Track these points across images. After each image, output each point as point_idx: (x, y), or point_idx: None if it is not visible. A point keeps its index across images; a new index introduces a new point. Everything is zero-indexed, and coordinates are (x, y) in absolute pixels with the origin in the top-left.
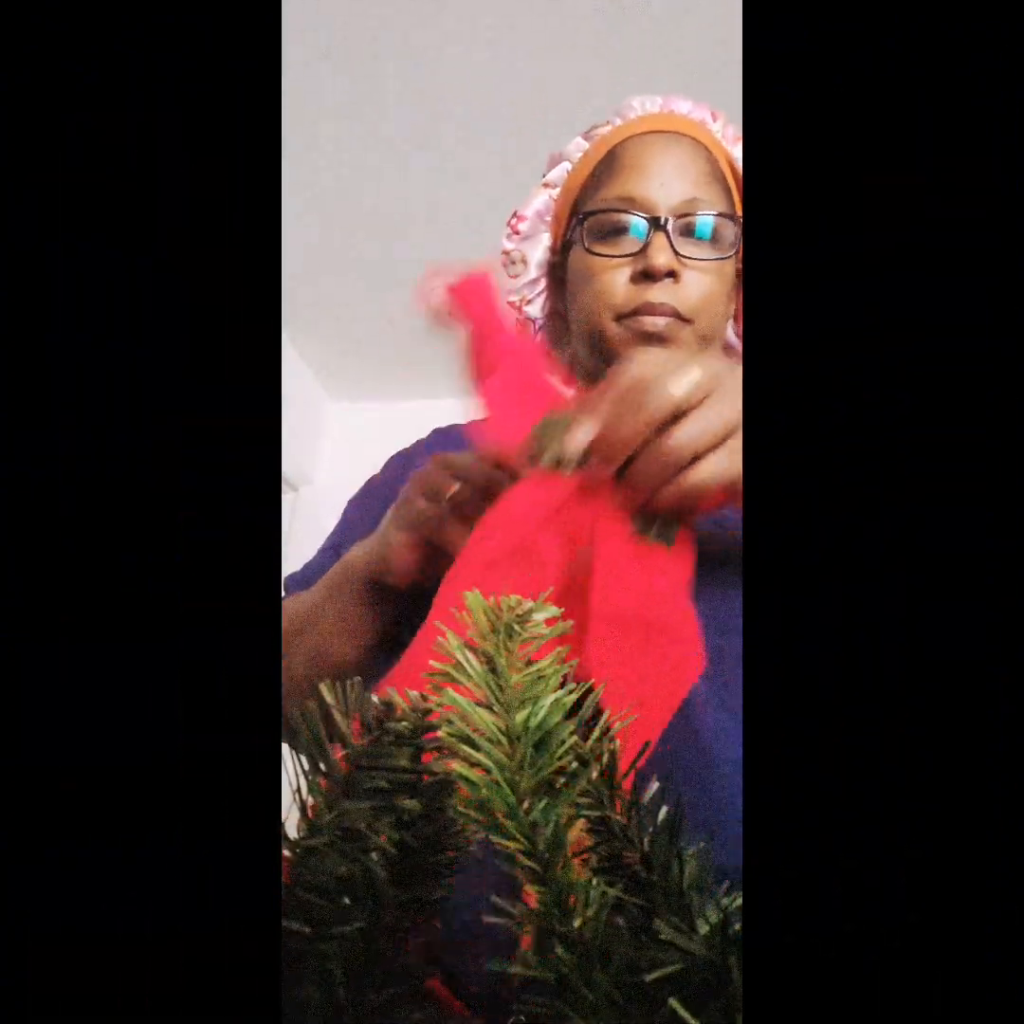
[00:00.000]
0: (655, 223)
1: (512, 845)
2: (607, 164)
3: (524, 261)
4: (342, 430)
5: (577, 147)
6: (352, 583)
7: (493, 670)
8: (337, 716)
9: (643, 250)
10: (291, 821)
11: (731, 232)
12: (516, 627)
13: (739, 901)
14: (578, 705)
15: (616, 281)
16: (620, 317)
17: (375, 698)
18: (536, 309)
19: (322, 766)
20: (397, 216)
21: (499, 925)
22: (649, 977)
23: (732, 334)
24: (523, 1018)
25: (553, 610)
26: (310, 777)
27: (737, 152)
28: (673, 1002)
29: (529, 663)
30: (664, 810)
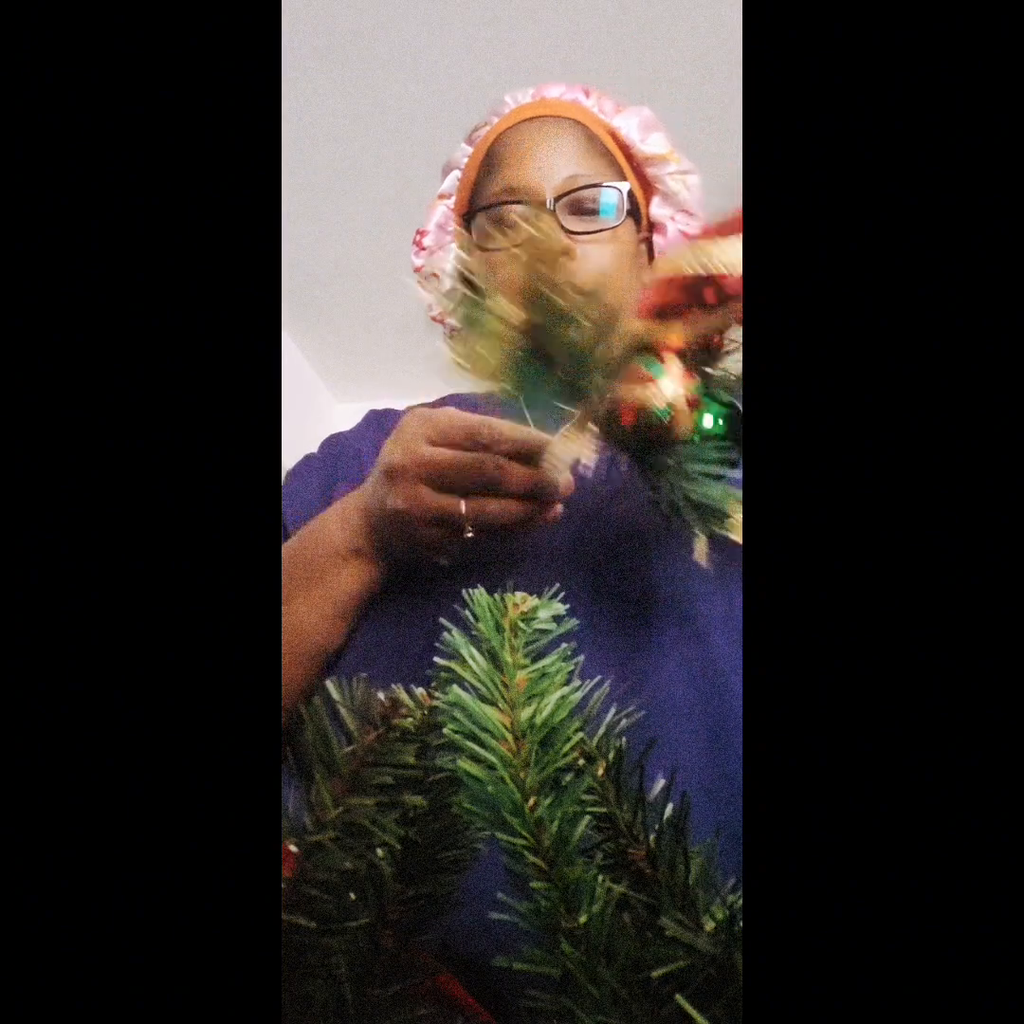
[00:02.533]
0: (541, 207)
1: (517, 842)
2: (488, 163)
3: (437, 275)
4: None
5: (463, 153)
6: (334, 557)
7: (498, 667)
8: (343, 712)
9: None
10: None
11: (614, 198)
12: (521, 624)
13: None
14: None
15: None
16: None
17: (381, 695)
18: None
19: (328, 762)
20: (401, 216)
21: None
22: (655, 973)
23: None
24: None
25: (558, 607)
26: (315, 773)
27: (619, 122)
28: (680, 998)
29: (534, 660)
30: (670, 807)
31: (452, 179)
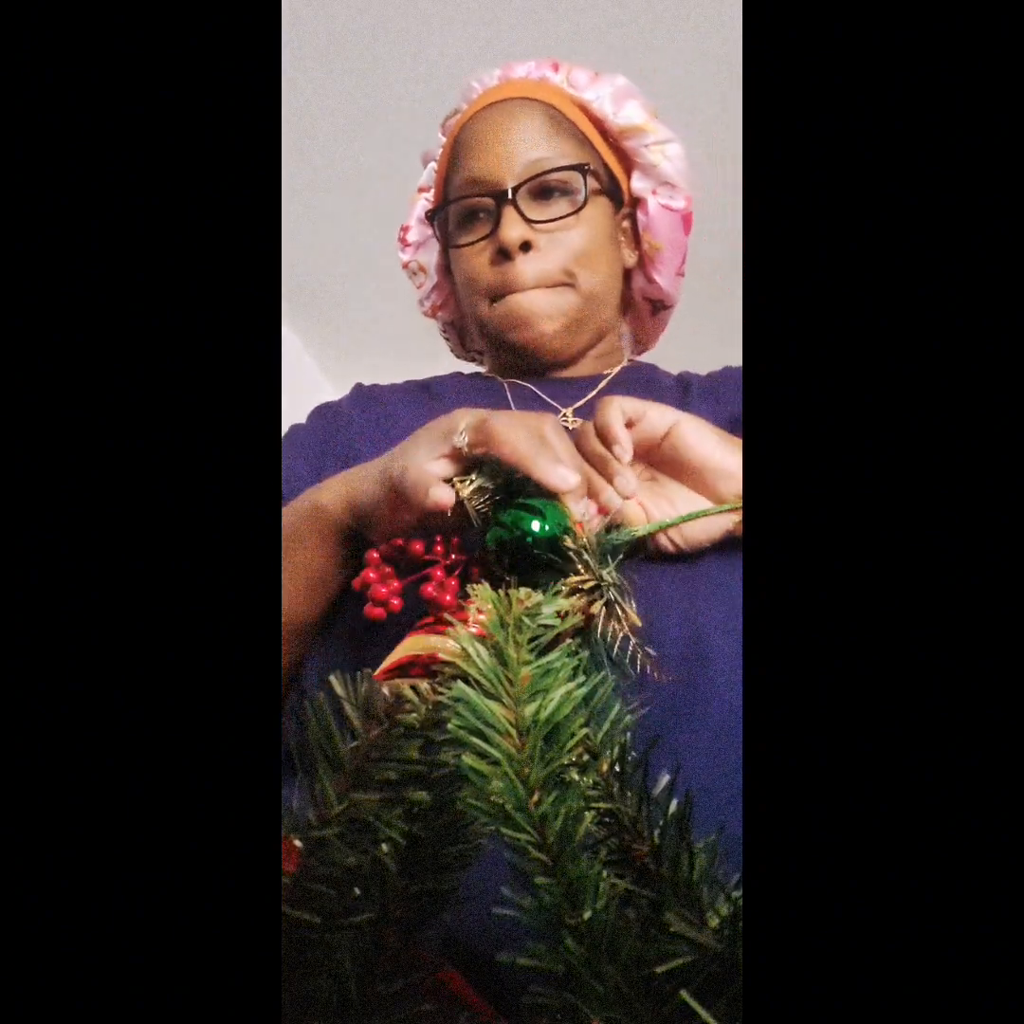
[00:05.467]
0: (502, 197)
1: (522, 838)
2: (455, 152)
3: (423, 269)
4: None
5: (438, 144)
6: (321, 531)
7: (502, 662)
8: (347, 708)
9: (495, 228)
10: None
11: (577, 181)
12: (526, 620)
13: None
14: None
15: (479, 266)
16: (493, 300)
17: (385, 690)
18: (448, 313)
19: (331, 758)
20: (400, 214)
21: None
22: (658, 970)
23: (645, 282)
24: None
25: (563, 603)
26: (319, 769)
27: (590, 95)
28: (684, 994)
29: (539, 655)
30: (674, 803)
31: (429, 172)
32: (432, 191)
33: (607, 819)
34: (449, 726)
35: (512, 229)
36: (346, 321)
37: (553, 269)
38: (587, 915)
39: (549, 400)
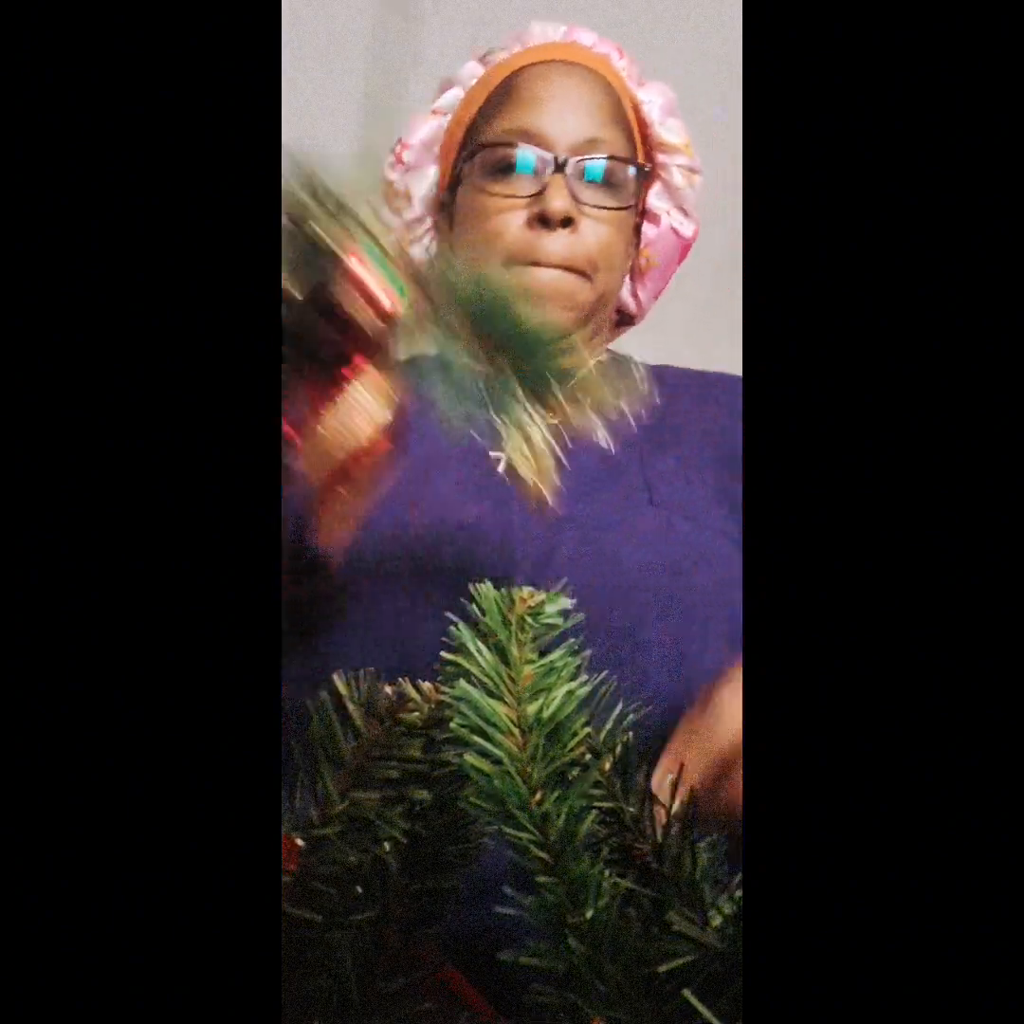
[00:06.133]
0: (553, 162)
1: (524, 836)
2: (503, 93)
3: (407, 196)
4: None
5: (470, 72)
6: None
7: (505, 661)
8: (350, 707)
9: (540, 192)
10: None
11: (631, 179)
12: (528, 618)
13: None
14: (591, 696)
15: (509, 224)
16: (510, 264)
17: (387, 689)
18: (420, 250)
19: (333, 756)
20: None
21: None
22: (660, 969)
23: (628, 294)
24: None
25: (566, 602)
26: (321, 767)
27: (643, 95)
28: (686, 993)
29: (541, 654)
30: (677, 802)
31: (452, 96)
32: (448, 116)
33: (609, 818)
34: (451, 725)
35: (559, 198)
36: None
37: (581, 256)
38: (589, 914)
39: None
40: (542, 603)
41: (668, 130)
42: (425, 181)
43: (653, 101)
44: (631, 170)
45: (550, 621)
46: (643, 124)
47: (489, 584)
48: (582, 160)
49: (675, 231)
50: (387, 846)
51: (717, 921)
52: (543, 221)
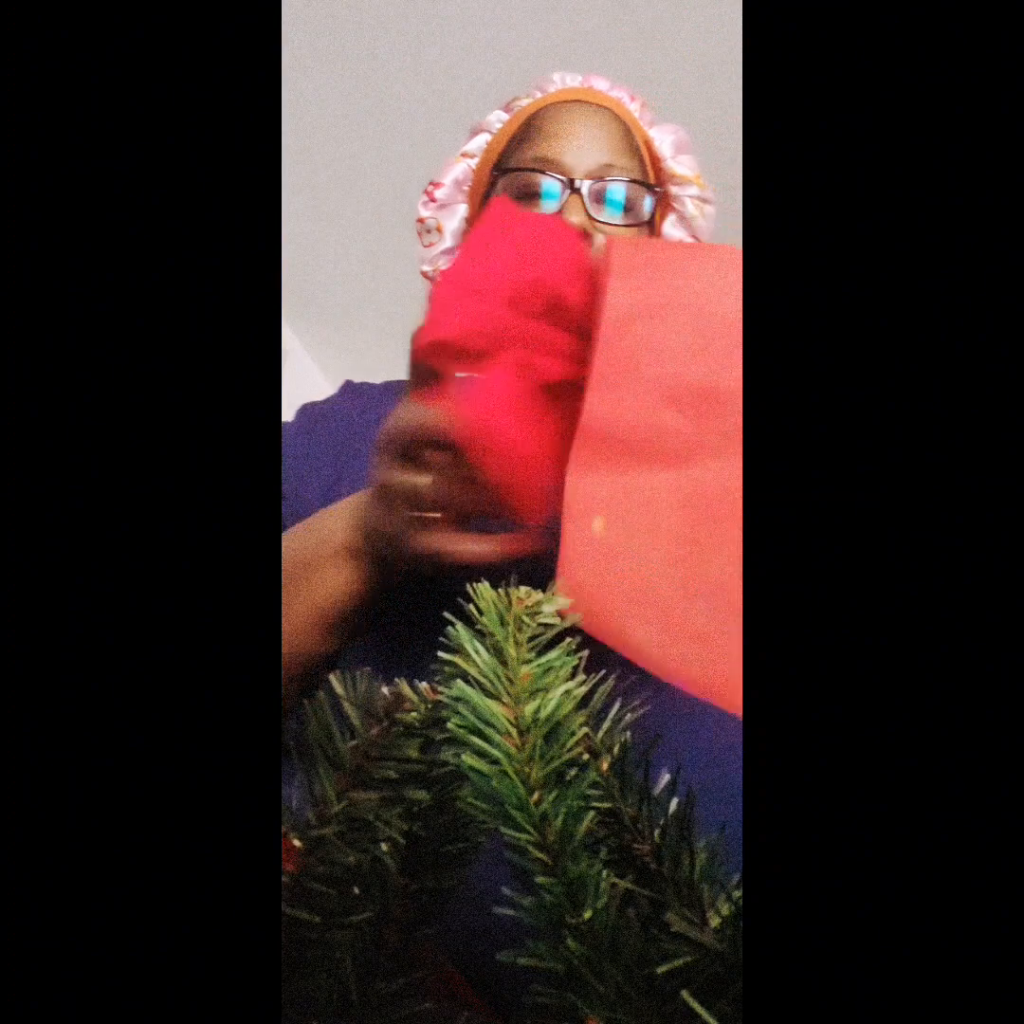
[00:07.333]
0: (569, 185)
1: (522, 837)
2: (525, 131)
3: (439, 230)
4: None
5: (497, 118)
6: (319, 553)
7: (502, 661)
8: (347, 706)
9: (557, 213)
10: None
11: (646, 201)
12: (526, 619)
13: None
14: (589, 696)
15: None
16: None
17: (384, 689)
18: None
19: (331, 756)
20: (400, 212)
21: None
22: (660, 969)
23: None
24: None
25: (563, 602)
26: (319, 767)
27: (655, 134)
28: (685, 994)
29: (539, 654)
30: (675, 802)
31: (480, 141)
32: (477, 159)
33: (608, 818)
34: (449, 725)
35: (575, 216)
36: (346, 321)
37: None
38: (588, 914)
39: None
40: (539, 603)
41: (679, 164)
42: (456, 217)
43: (664, 139)
44: (649, 199)
45: (547, 621)
46: (655, 159)
47: (486, 583)
48: (601, 183)
49: None
50: (385, 846)
51: (716, 922)
52: None
